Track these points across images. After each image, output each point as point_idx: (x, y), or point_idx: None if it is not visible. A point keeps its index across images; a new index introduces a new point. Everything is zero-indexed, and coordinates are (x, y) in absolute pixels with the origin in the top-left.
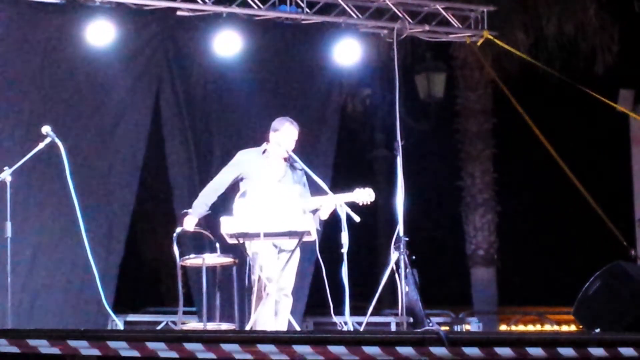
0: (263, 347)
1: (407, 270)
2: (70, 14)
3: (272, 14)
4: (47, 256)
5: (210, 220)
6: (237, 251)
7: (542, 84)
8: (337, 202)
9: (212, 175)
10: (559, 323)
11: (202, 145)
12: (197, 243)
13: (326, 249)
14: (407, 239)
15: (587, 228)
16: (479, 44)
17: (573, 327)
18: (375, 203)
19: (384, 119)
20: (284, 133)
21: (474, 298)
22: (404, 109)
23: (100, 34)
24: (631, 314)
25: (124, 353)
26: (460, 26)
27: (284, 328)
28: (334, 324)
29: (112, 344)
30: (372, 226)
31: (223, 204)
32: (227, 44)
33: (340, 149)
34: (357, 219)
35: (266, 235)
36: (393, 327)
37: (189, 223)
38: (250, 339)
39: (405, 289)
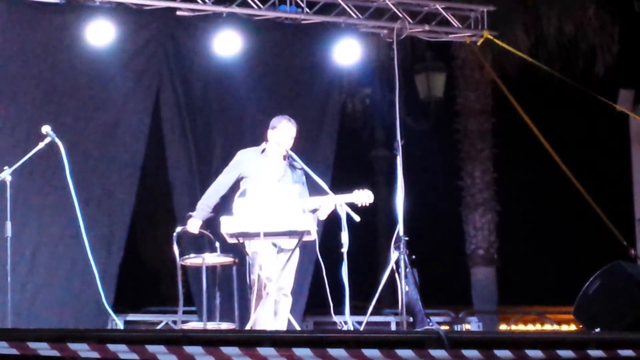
0: (263, 351)
1: (407, 269)
2: (70, 14)
3: (272, 14)
4: (47, 256)
5: (210, 220)
6: (237, 251)
7: (542, 84)
8: (336, 203)
9: (212, 175)
10: (559, 323)
11: (202, 145)
12: (197, 243)
13: (326, 249)
14: (407, 238)
15: (587, 228)
16: (479, 44)
17: (573, 327)
18: (375, 203)
19: (383, 119)
20: (282, 130)
21: (474, 298)
22: (404, 109)
23: (100, 34)
24: (631, 314)
25: (123, 356)
26: (460, 26)
27: (284, 328)
28: (334, 323)
29: (111, 346)
30: (372, 226)
31: (223, 203)
32: (227, 44)
33: (340, 149)
34: (357, 218)
35: (266, 234)
36: (393, 327)
37: (193, 226)
38: (249, 339)
39: (405, 289)
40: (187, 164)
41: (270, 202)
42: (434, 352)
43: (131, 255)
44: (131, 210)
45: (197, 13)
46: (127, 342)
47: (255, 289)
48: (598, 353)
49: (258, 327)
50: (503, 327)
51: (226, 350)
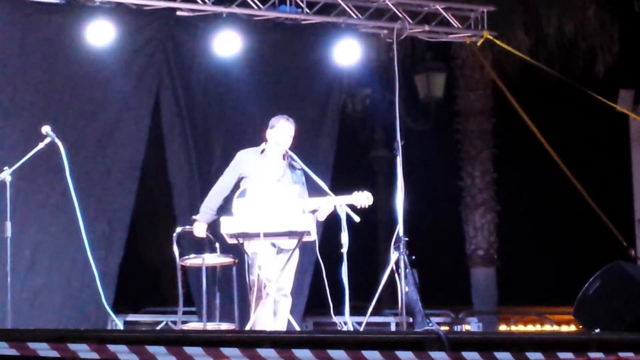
0: (262, 352)
1: (407, 270)
2: (70, 14)
3: (272, 14)
4: (47, 256)
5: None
6: (237, 251)
7: (542, 84)
8: (335, 204)
9: (212, 175)
10: (559, 323)
11: (202, 145)
12: (197, 243)
13: (326, 249)
14: (407, 239)
15: (587, 228)
16: (479, 44)
17: (573, 327)
18: (375, 203)
19: (383, 119)
20: (280, 130)
21: (474, 298)
22: (404, 109)
23: (100, 34)
24: (631, 314)
25: (122, 357)
26: (460, 26)
27: (283, 328)
28: (334, 324)
29: (111, 347)
30: (372, 226)
31: (223, 204)
32: (227, 44)
33: (340, 149)
34: (357, 219)
35: (266, 235)
36: (393, 327)
37: (199, 230)
38: (249, 340)
39: (405, 289)
40: (187, 164)
41: (269, 202)
42: (433, 354)
43: (131, 255)
44: (131, 210)
45: (197, 13)
46: (127, 343)
47: (254, 289)
48: (599, 355)
49: (258, 328)
50: (503, 327)
51: (226, 351)
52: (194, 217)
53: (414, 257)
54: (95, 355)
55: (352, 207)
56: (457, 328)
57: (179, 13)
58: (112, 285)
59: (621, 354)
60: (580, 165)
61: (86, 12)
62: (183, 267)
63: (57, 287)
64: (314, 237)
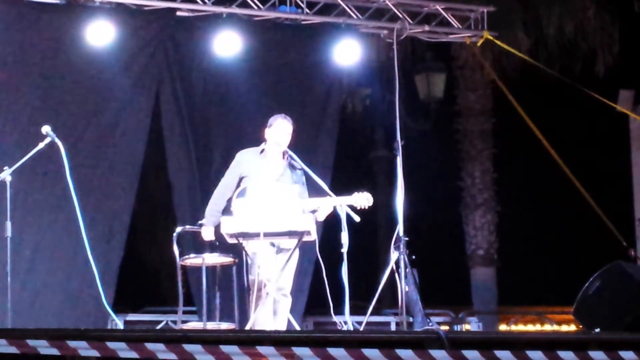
0: (262, 350)
1: (407, 270)
2: (70, 14)
3: (272, 14)
4: (47, 256)
5: None
6: (237, 251)
7: (542, 84)
8: (335, 204)
9: (212, 175)
10: (559, 323)
11: (202, 145)
12: (197, 243)
13: (326, 249)
14: (407, 239)
15: (587, 228)
16: (479, 44)
17: (573, 327)
18: (375, 203)
19: (383, 119)
20: (278, 128)
21: (474, 298)
22: (404, 109)
23: (100, 34)
24: (631, 314)
25: (123, 354)
26: (460, 26)
27: (283, 328)
28: (334, 323)
29: (111, 344)
30: (372, 226)
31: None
32: (227, 44)
33: (340, 149)
34: (357, 218)
35: (266, 235)
36: (393, 327)
37: (207, 234)
38: (249, 339)
39: (405, 289)
40: (187, 164)
41: (269, 202)
42: (433, 353)
43: (131, 255)
44: (131, 210)
45: (197, 13)
46: (127, 342)
47: (254, 289)
48: (599, 354)
49: (258, 327)
50: (503, 327)
51: (226, 349)
52: (200, 222)
53: (414, 257)
54: (95, 352)
55: (352, 208)
56: (457, 328)
57: (179, 13)
58: (112, 284)
59: (622, 353)
60: (580, 165)
61: (86, 12)
62: (183, 267)
63: (57, 287)
64: (314, 236)
